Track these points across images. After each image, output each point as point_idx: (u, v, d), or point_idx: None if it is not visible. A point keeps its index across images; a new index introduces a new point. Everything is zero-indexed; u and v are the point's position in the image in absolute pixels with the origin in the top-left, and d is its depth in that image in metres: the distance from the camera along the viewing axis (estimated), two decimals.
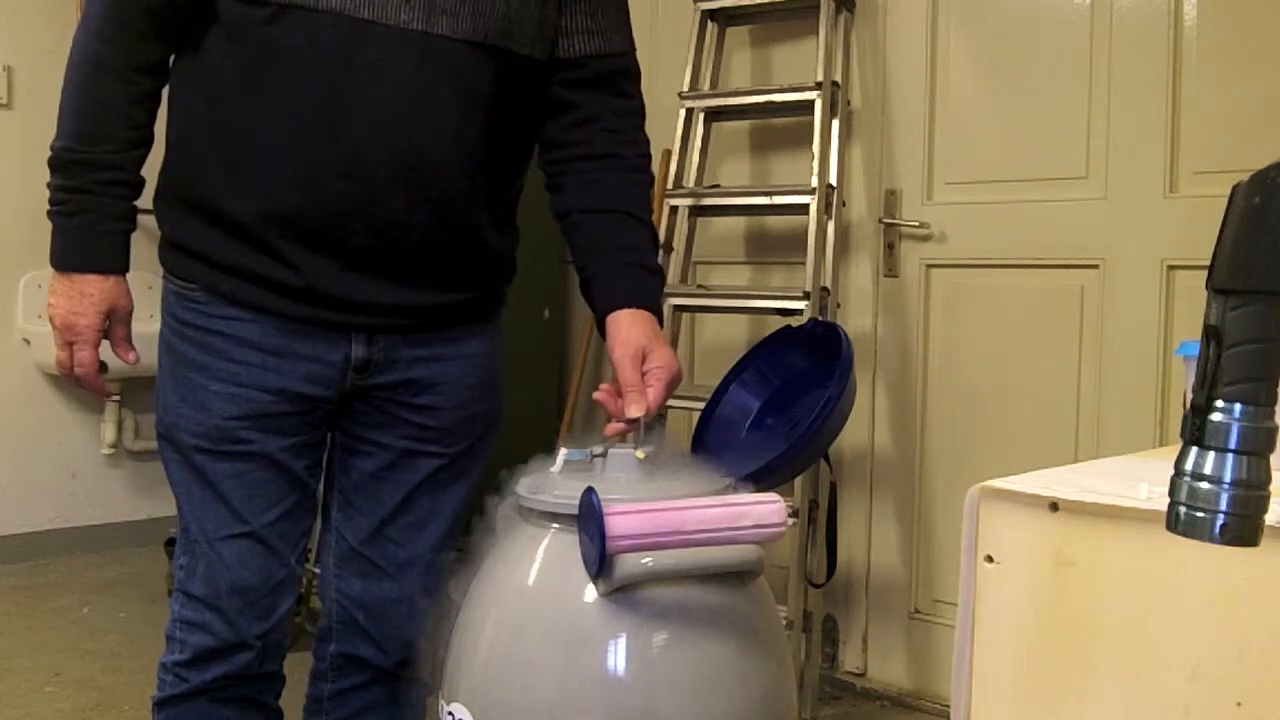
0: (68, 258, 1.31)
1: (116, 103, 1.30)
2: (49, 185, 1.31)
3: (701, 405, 1.64)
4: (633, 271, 1.37)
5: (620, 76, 1.45)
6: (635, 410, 1.25)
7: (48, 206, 1.31)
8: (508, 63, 1.33)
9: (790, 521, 2.21)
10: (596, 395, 1.30)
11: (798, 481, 2.42)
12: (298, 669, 1.52)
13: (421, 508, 1.45)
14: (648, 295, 1.36)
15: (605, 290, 1.36)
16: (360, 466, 1.44)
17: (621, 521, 1.05)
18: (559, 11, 1.38)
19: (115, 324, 1.34)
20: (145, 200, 1.37)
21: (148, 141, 1.33)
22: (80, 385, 1.35)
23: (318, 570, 1.56)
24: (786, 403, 1.59)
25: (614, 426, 1.27)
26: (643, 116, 1.49)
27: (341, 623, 1.49)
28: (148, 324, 1.38)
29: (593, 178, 1.42)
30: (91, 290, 1.31)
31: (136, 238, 1.36)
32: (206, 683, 1.37)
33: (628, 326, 1.33)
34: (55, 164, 1.30)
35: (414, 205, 1.30)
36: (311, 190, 1.28)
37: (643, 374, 1.30)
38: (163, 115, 1.37)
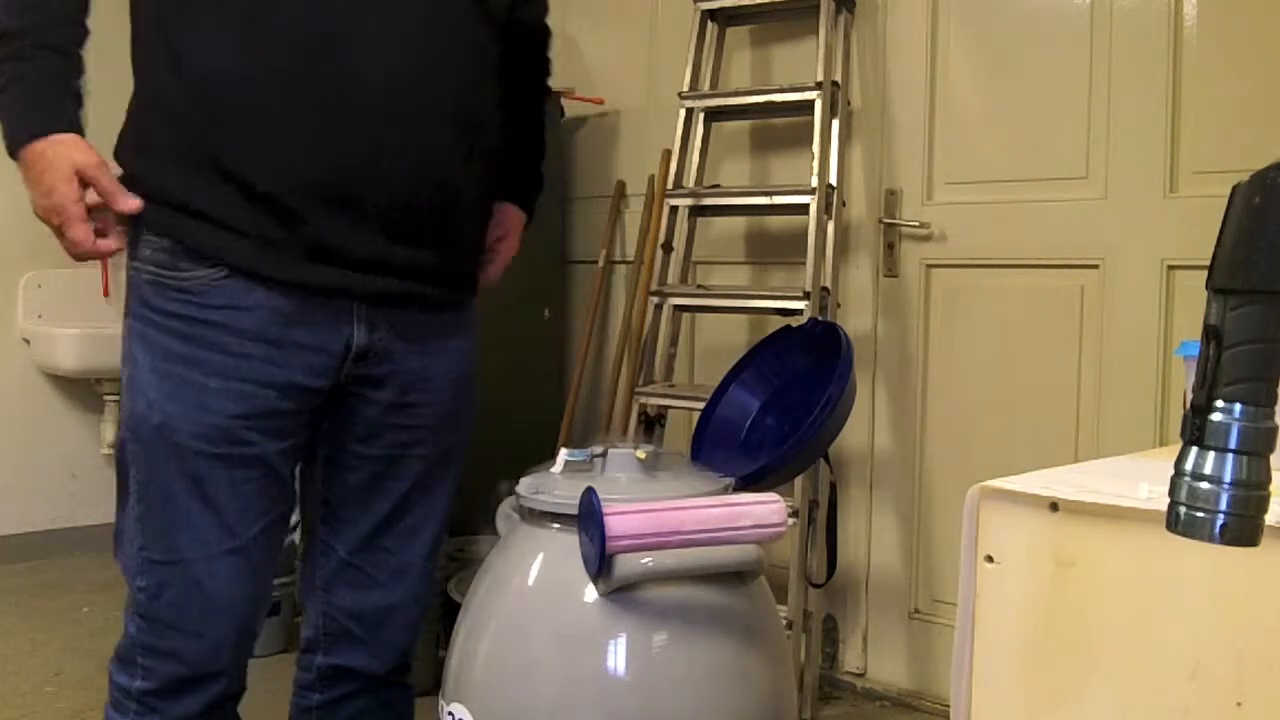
0: (15, 133, 1.24)
1: None
2: None
3: (701, 405, 1.64)
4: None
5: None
6: None
7: None
8: (496, 18, 1.39)
9: (790, 521, 2.21)
10: None
11: (798, 481, 2.42)
12: (283, 674, 1.50)
13: (414, 514, 1.44)
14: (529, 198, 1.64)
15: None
16: (349, 480, 1.42)
17: (621, 521, 1.06)
18: None
19: (96, 180, 1.25)
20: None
21: (79, 23, 1.27)
22: (93, 257, 1.27)
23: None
24: (786, 403, 1.59)
25: None
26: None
27: (331, 634, 1.46)
28: None
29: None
30: (49, 160, 1.22)
31: None
32: (187, 715, 1.30)
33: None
34: None
35: (422, 162, 1.29)
36: (320, 150, 1.24)
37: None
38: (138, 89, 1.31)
